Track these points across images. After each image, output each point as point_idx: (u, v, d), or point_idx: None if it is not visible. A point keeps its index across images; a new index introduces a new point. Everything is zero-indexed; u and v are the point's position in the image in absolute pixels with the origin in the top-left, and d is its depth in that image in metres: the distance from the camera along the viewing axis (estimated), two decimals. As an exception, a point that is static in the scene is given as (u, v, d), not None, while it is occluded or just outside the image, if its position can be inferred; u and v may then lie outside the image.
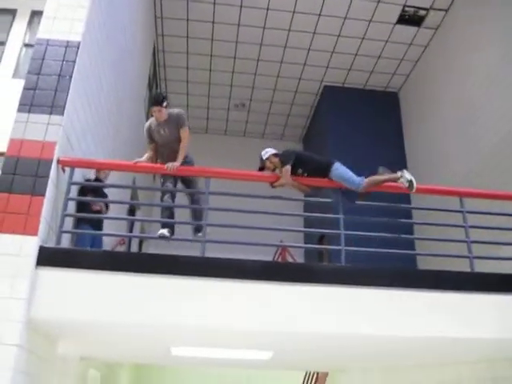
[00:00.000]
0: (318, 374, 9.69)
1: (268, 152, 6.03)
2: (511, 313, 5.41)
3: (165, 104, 6.11)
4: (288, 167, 5.75)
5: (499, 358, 6.32)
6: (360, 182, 5.74)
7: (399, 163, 12.88)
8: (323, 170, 5.84)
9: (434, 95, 12.02)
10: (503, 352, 6.14)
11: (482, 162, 9.61)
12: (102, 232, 6.45)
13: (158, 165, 6.08)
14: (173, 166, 5.72)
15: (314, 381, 9.88)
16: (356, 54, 12.77)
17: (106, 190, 6.69)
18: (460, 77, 10.89)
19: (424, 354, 6.60)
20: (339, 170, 5.81)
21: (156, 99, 6.16)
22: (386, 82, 13.74)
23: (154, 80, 13.27)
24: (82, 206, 6.25)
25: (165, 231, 5.68)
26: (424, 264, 9.97)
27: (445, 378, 7.12)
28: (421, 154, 12.44)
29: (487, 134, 9.61)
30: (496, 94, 9.46)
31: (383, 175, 5.96)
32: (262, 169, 6.05)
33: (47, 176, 5.15)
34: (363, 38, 12.30)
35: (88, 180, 6.44)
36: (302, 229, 11.39)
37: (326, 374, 9.24)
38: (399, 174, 5.89)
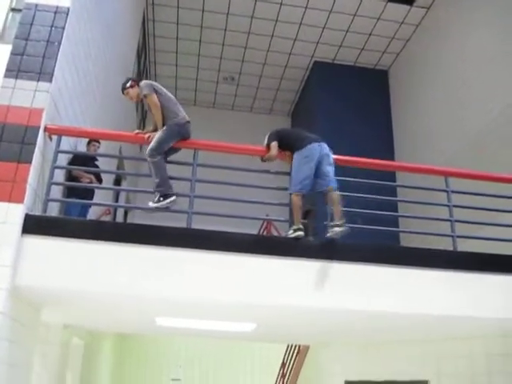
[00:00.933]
0: (299, 347, 9.84)
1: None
2: (491, 293, 5.55)
3: (128, 85, 5.93)
4: (274, 143, 5.82)
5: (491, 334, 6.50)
6: (294, 190, 5.56)
7: (386, 141, 13.00)
8: (291, 150, 5.84)
9: (423, 74, 12.03)
10: (486, 329, 6.31)
11: (469, 144, 9.68)
12: (87, 201, 6.43)
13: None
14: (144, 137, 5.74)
15: (295, 354, 10.03)
16: (347, 31, 12.70)
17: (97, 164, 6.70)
18: (451, 57, 10.89)
19: (408, 330, 6.74)
20: (294, 163, 5.69)
21: (121, 89, 6.01)
22: (376, 59, 13.70)
23: (143, 50, 13.11)
24: (71, 179, 6.23)
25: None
26: (407, 242, 10.08)
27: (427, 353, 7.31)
28: (408, 132, 12.49)
29: (476, 115, 9.66)
30: (487, 76, 9.49)
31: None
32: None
33: (34, 143, 5.10)
34: (355, 15, 12.21)
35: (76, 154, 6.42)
36: (288, 203, 11.38)
37: (308, 348, 9.39)
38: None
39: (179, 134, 5.72)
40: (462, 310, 5.46)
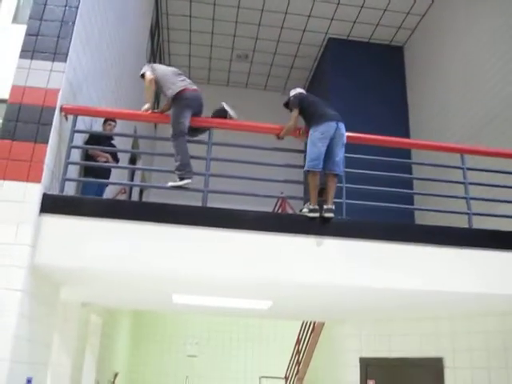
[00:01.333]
0: (314, 324, 9.91)
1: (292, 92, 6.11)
2: (507, 270, 5.55)
3: (142, 70, 5.98)
4: (295, 113, 5.79)
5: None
6: (309, 167, 5.46)
7: (401, 119, 12.89)
8: (308, 122, 5.78)
9: (439, 51, 11.86)
10: (501, 306, 6.32)
11: (484, 121, 9.56)
12: (104, 180, 6.49)
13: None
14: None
15: (310, 331, 10.11)
16: (362, 6, 12.51)
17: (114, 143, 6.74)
18: (465, 33, 10.71)
19: (423, 307, 6.77)
20: (310, 138, 5.57)
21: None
22: (391, 35, 13.51)
23: (156, 29, 13.05)
24: (88, 159, 6.28)
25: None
26: (422, 220, 10.06)
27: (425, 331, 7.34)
28: (423, 110, 12.35)
29: (491, 91, 9.53)
30: (504, 52, 9.34)
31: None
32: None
33: (50, 124, 5.15)
34: (370, -10, 12.04)
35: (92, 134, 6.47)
36: (302, 180, 11.37)
37: (323, 325, 9.45)
38: None
39: (187, 106, 5.68)
40: (477, 287, 5.47)
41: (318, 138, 5.50)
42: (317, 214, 5.35)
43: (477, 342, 7.00)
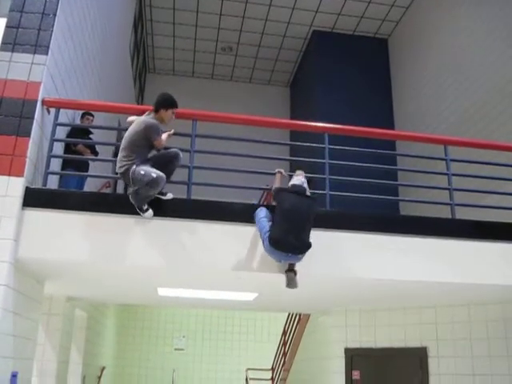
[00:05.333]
0: (300, 315, 9.95)
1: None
2: (489, 260, 5.61)
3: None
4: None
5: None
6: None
7: (386, 110, 12.94)
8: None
9: (423, 42, 11.91)
10: (484, 296, 6.40)
11: (469, 112, 9.63)
12: (88, 173, 6.45)
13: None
14: None
15: (296, 322, 10.15)
16: (346, -1, 12.54)
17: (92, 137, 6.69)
18: (450, 25, 10.77)
19: (407, 298, 6.85)
20: (257, 215, 5.15)
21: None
22: (375, 28, 13.54)
23: (139, 21, 12.96)
24: (69, 152, 6.24)
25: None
26: (406, 211, 10.12)
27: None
28: (408, 101, 12.41)
29: (475, 83, 9.59)
30: (485, 43, 9.40)
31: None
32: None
33: (32, 117, 5.11)
34: (354, -18, 12.05)
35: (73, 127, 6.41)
36: (290, 173, 11.39)
37: (308, 316, 9.49)
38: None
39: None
40: (459, 277, 5.53)
41: (259, 212, 5.14)
42: None
43: (460, 331, 7.08)
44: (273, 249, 4.77)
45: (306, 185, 5.14)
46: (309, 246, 4.82)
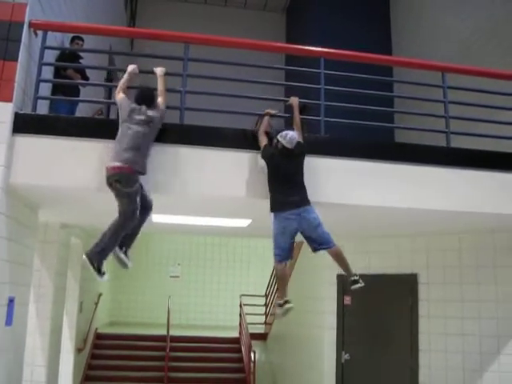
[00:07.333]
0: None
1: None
2: (481, 189, 5.64)
3: None
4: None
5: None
6: (274, 257, 5.05)
7: (384, 39, 12.61)
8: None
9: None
10: (475, 224, 6.46)
11: (469, 43, 9.37)
12: (79, 98, 6.31)
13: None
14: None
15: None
16: None
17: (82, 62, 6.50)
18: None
19: (400, 226, 6.95)
20: (272, 225, 5.08)
21: None
22: (375, -51, 13.01)
23: None
24: (58, 77, 6.08)
25: None
26: (402, 138, 10.05)
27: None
28: (406, 30, 12.06)
29: (477, 11, 9.30)
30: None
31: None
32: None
33: (19, 40, 4.95)
34: None
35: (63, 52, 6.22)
36: (282, 98, 11.23)
37: (302, 243, 9.59)
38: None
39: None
40: (452, 205, 5.56)
41: (277, 232, 5.00)
42: (291, 305, 5.16)
43: (450, 259, 7.21)
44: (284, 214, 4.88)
45: (294, 141, 5.02)
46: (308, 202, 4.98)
